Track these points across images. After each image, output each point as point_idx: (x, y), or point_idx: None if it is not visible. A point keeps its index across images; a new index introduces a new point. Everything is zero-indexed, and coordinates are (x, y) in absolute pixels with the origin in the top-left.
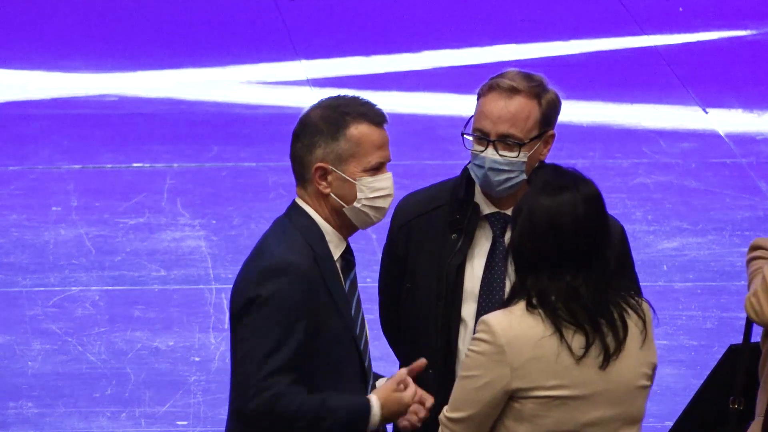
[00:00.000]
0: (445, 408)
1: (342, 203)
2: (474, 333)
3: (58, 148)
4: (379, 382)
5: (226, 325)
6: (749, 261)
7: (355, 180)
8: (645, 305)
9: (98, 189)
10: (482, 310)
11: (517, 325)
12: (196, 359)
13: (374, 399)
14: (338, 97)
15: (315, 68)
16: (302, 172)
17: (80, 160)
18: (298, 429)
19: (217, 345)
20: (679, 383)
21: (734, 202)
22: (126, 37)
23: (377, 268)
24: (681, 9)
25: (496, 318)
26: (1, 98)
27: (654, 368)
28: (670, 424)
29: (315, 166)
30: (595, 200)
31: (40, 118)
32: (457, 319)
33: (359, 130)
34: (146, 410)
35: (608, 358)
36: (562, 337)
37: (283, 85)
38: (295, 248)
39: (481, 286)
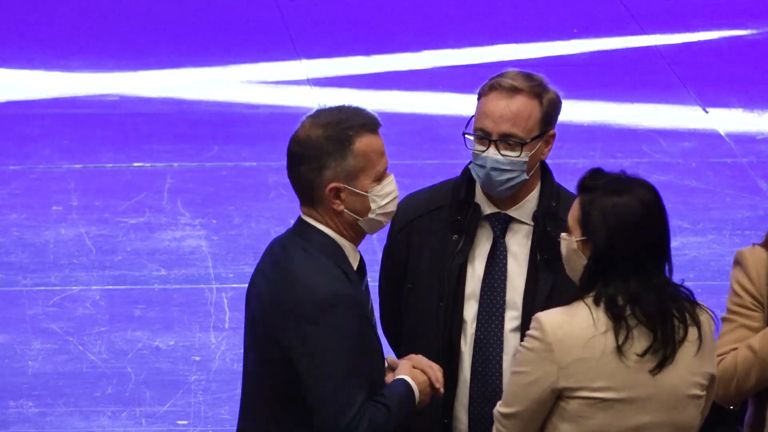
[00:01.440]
0: (499, 402)
1: (356, 217)
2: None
3: (58, 148)
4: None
5: (227, 325)
6: (729, 312)
7: (366, 192)
8: (705, 315)
9: (99, 188)
10: (483, 310)
11: (568, 324)
12: (197, 359)
13: (406, 377)
14: (331, 111)
15: (315, 68)
16: (310, 194)
17: (81, 160)
18: None
19: (218, 344)
20: None
21: (734, 201)
22: (126, 37)
23: (377, 268)
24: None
25: (547, 316)
26: (1, 98)
27: (710, 378)
28: None
29: (329, 187)
30: (659, 196)
31: (40, 118)
32: (458, 320)
33: (364, 142)
34: (147, 410)
35: (662, 363)
36: (616, 339)
37: (283, 84)
38: (330, 274)
39: (482, 286)
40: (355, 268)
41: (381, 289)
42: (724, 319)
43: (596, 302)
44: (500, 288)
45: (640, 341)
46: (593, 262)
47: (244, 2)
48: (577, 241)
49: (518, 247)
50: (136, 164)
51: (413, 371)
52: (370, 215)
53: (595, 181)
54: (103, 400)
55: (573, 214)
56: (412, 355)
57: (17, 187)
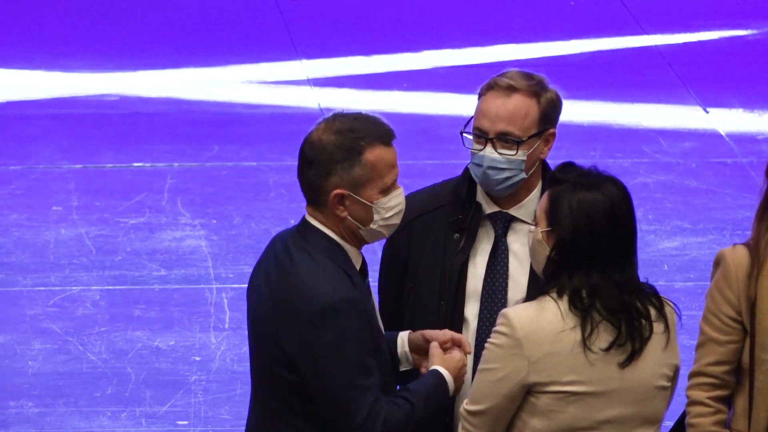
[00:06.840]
0: (465, 401)
1: (359, 225)
2: (494, 326)
3: (58, 148)
4: (402, 337)
5: (227, 325)
6: (705, 321)
7: (372, 203)
8: (668, 307)
9: (99, 188)
10: (485, 309)
11: (536, 318)
12: (197, 359)
13: (438, 368)
14: (347, 118)
15: (315, 68)
16: (316, 197)
17: (81, 160)
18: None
19: (218, 344)
20: (680, 383)
21: (735, 201)
22: (126, 37)
23: (378, 267)
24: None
25: (515, 311)
26: (1, 98)
27: (675, 370)
28: (670, 423)
29: (333, 193)
30: (629, 194)
31: (40, 118)
32: (460, 319)
33: (374, 154)
34: (147, 410)
35: (632, 357)
36: (583, 332)
37: (283, 84)
38: (336, 279)
39: (483, 285)
40: (357, 269)
41: (381, 289)
42: (701, 327)
43: (561, 296)
44: (502, 287)
45: (605, 335)
46: (556, 254)
47: (244, 2)
48: (542, 231)
49: (520, 246)
50: (136, 164)
51: (444, 358)
52: (372, 225)
53: (565, 174)
54: (103, 400)
55: (541, 205)
56: (441, 333)
57: (17, 187)
